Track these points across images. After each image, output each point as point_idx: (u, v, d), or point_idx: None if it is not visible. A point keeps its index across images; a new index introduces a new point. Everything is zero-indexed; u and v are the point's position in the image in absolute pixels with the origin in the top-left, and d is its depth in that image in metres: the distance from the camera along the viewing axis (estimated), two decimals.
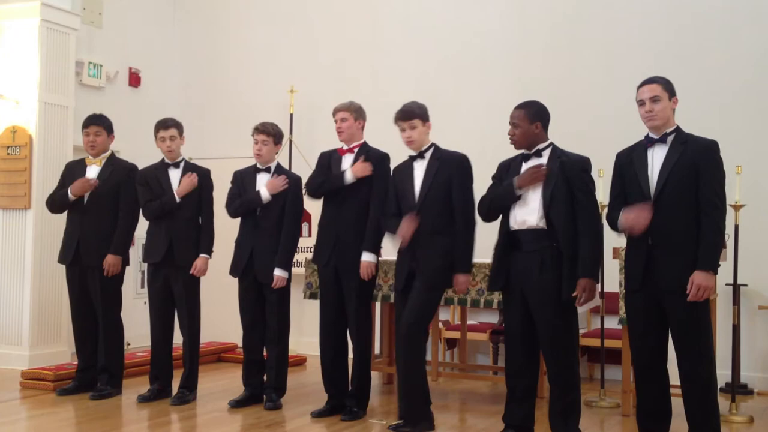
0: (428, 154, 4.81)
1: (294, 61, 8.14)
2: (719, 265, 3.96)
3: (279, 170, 5.50)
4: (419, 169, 4.81)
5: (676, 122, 4.07)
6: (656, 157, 4.01)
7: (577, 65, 7.08)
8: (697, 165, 3.90)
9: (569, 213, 4.19)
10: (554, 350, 4.23)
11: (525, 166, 4.36)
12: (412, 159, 4.87)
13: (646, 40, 6.84)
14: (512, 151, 4.52)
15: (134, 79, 8.17)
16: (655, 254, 3.94)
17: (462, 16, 7.56)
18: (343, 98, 7.76)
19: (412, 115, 4.80)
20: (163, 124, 5.62)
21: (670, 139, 4.00)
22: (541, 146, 4.35)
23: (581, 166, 4.29)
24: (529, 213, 4.27)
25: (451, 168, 4.73)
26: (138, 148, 7.06)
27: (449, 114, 7.29)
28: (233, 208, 5.45)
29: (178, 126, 5.64)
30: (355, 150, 5.19)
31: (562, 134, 6.63)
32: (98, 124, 5.77)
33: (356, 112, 5.22)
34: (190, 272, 5.49)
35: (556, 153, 4.33)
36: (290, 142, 7.79)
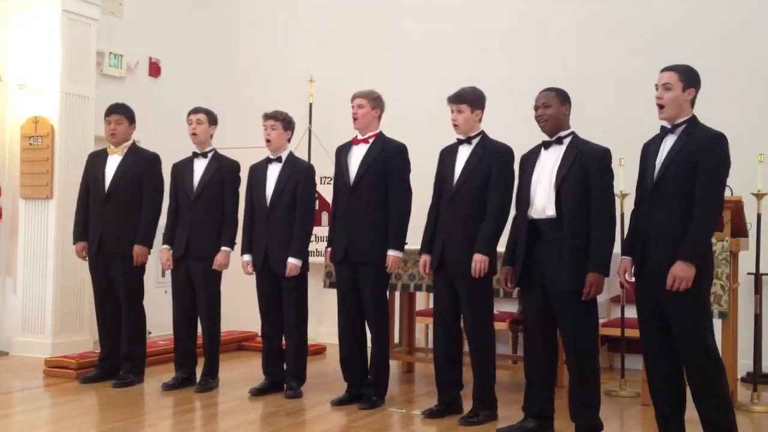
0: (475, 141, 4.80)
1: (313, 51, 8.14)
2: (700, 258, 3.79)
3: (290, 159, 5.50)
4: (463, 154, 4.81)
5: (694, 112, 3.97)
6: (665, 148, 3.95)
7: (600, 52, 7.01)
8: (696, 157, 3.82)
9: (583, 203, 4.18)
10: (574, 340, 4.23)
11: (545, 154, 4.34)
12: (459, 142, 4.87)
13: (669, 25, 6.77)
14: (534, 138, 4.49)
15: (154, 69, 8.20)
16: (649, 245, 3.93)
17: (484, 6, 7.51)
18: (362, 88, 7.80)
19: (461, 99, 4.80)
20: (193, 109, 5.70)
21: (679, 130, 3.93)
22: (563, 133, 4.33)
23: (600, 157, 4.25)
24: (547, 202, 4.25)
25: (494, 159, 4.71)
26: (158, 138, 7.09)
27: None
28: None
29: (209, 114, 5.68)
30: (370, 140, 5.16)
31: (585, 122, 6.62)
32: (120, 112, 5.80)
33: (374, 101, 5.19)
34: (213, 267, 5.53)
35: (576, 142, 4.30)
36: (309, 131, 7.80)
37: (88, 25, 7.10)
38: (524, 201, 4.35)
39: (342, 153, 5.25)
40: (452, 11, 7.64)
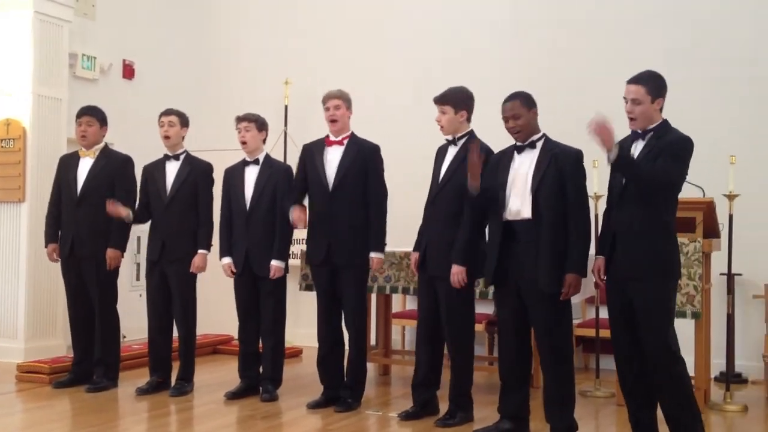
0: (461, 142, 4.77)
1: (289, 53, 8.12)
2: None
3: (267, 161, 5.48)
4: (450, 155, 4.80)
5: (664, 116, 4.00)
6: (635, 153, 3.98)
7: (576, 53, 7.04)
8: (658, 158, 3.86)
9: (559, 205, 4.20)
10: (550, 340, 4.25)
11: (518, 158, 4.35)
12: (448, 142, 4.84)
13: (646, 26, 6.81)
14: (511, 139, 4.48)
15: (128, 72, 8.15)
16: (617, 244, 3.98)
17: (458, 9, 7.52)
18: (338, 89, 7.76)
19: (444, 99, 4.76)
20: (165, 111, 5.65)
21: (648, 136, 3.97)
22: (535, 137, 4.33)
23: (574, 158, 4.27)
24: (522, 204, 4.27)
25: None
26: (133, 141, 7.03)
27: None
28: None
29: (180, 115, 5.63)
30: (345, 142, 5.14)
31: (560, 122, 6.63)
32: (91, 114, 5.74)
33: (347, 101, 5.18)
34: (190, 270, 5.51)
35: (549, 145, 4.31)
36: (285, 133, 7.79)
37: (60, 27, 7.03)
38: (498, 203, 4.35)
39: (315, 154, 5.20)
40: (429, 11, 7.64)
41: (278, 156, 7.06)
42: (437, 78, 7.39)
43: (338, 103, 5.12)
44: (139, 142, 6.97)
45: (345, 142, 5.14)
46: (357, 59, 7.84)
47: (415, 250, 4.91)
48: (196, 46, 8.57)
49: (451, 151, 4.81)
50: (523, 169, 4.31)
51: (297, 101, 7.84)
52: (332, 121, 5.13)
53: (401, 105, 7.48)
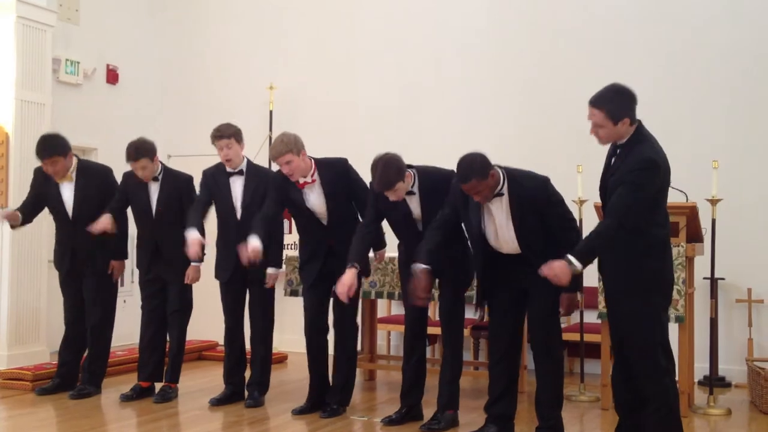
0: (416, 187, 4.73)
1: (273, 58, 8.11)
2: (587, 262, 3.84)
3: (252, 169, 5.44)
4: (413, 204, 4.74)
5: (636, 126, 3.88)
6: (614, 165, 3.94)
7: (560, 60, 7.05)
8: (620, 186, 3.78)
9: (546, 232, 4.25)
10: (549, 341, 4.34)
11: (491, 208, 4.30)
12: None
13: (624, 37, 6.84)
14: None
15: (112, 76, 8.11)
16: (605, 261, 3.98)
17: (444, 12, 7.54)
18: (322, 94, 7.77)
19: (393, 183, 4.57)
20: (133, 156, 5.39)
21: (619, 151, 3.90)
22: (499, 188, 4.26)
23: (542, 191, 4.27)
24: (512, 246, 4.30)
25: (442, 193, 4.60)
26: (116, 146, 6.97)
27: (429, 111, 7.29)
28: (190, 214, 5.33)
29: (148, 153, 5.41)
30: (315, 177, 5.03)
31: (545, 128, 6.68)
32: (51, 155, 5.44)
33: (295, 146, 4.91)
34: (185, 282, 5.51)
35: (513, 189, 4.25)
36: (270, 139, 7.77)
37: (43, 32, 6.99)
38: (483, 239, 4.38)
39: (290, 192, 5.05)
40: (413, 16, 7.64)
41: (263, 162, 7.03)
42: (427, 80, 7.46)
43: (288, 158, 4.88)
44: (123, 147, 6.90)
45: (315, 176, 5.05)
46: (342, 63, 7.84)
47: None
48: (180, 51, 8.54)
49: (412, 200, 4.74)
50: (500, 219, 4.29)
51: (282, 106, 7.83)
52: (290, 176, 4.97)
53: (389, 108, 7.49)
